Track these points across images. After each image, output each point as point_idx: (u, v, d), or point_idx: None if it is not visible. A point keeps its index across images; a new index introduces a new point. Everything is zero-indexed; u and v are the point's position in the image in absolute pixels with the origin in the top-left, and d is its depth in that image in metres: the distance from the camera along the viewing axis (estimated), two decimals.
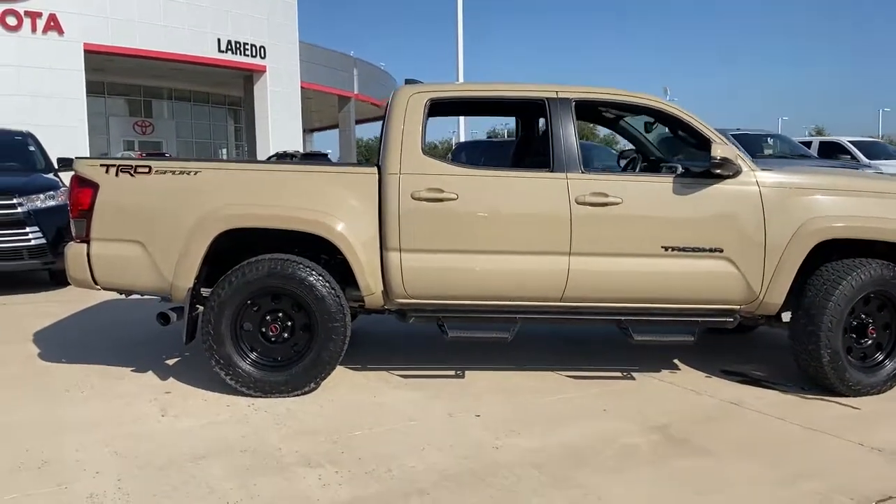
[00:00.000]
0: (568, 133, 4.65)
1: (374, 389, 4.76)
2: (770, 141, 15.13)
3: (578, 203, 4.56)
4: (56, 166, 8.90)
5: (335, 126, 43.20)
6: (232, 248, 4.81)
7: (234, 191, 4.55)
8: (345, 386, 4.82)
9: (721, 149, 4.45)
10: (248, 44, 29.51)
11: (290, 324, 4.63)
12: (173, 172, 4.56)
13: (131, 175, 4.56)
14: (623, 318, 4.69)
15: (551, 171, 4.63)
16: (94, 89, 27.29)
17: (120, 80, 31.40)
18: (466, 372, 5.13)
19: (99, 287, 4.67)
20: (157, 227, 4.53)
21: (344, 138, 40.74)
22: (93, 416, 4.23)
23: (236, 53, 29.21)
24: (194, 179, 4.55)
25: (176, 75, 30.89)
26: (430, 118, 4.77)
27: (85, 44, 24.40)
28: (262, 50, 30.17)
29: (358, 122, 43.32)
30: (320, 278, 4.52)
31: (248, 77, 30.94)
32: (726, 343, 5.98)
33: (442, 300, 4.68)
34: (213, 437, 3.93)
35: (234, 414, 4.28)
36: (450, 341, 4.69)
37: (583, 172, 4.64)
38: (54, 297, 7.87)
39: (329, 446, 3.82)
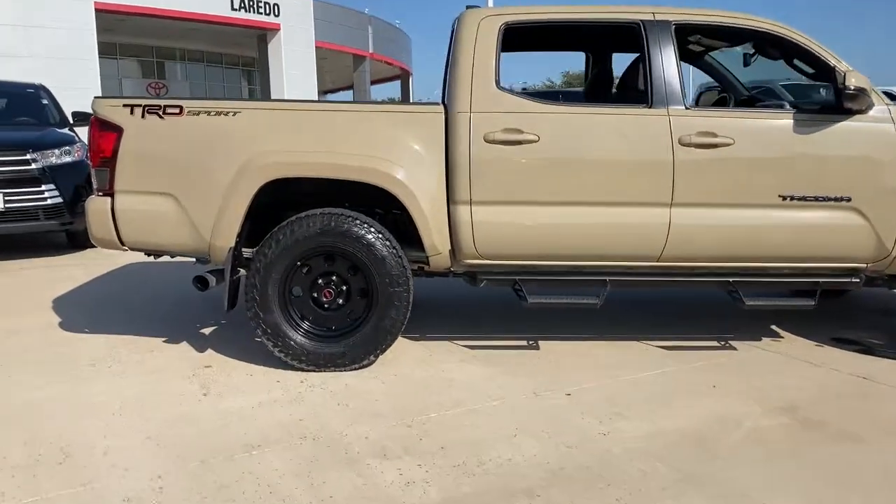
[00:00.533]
0: (669, 61, 3.96)
1: (440, 363, 4.15)
2: None
3: (682, 144, 3.88)
4: (71, 121, 8.28)
5: (349, 87, 42.23)
6: (271, 205, 4.20)
7: (278, 134, 3.91)
8: (406, 359, 4.21)
9: (855, 77, 3.75)
10: (261, 1, 28.61)
11: (345, 288, 4.02)
12: (208, 113, 3.92)
13: (160, 116, 3.92)
14: (732, 279, 4.04)
15: (649, 107, 3.95)
16: (106, 51, 26.53)
17: (132, 40, 30.60)
18: (540, 341, 4.52)
19: (125, 247, 4.07)
20: (191, 178, 3.91)
21: (359, 99, 39.84)
22: (122, 396, 3.66)
23: (249, 11, 28.30)
24: (233, 122, 3.91)
25: (188, 35, 30.07)
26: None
27: (96, 3, 23.63)
28: (275, 7, 29.23)
29: (373, 82, 42.35)
30: (379, 236, 3.90)
31: (262, 36, 30.06)
32: (822, 307, 5.32)
33: (519, 260, 4.05)
34: (266, 420, 3.35)
35: (286, 392, 3.70)
36: (515, 306, 4.05)
37: (687, 108, 3.95)
38: (74, 261, 7.30)
39: (403, 431, 3.23)
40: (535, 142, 3.88)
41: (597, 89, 5.04)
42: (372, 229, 3.90)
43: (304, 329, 3.99)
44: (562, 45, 5.42)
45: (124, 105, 3.94)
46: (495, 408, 3.50)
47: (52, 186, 7.15)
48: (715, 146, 3.87)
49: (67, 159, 7.35)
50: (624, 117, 3.95)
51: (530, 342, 4.53)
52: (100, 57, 24.40)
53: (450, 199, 3.96)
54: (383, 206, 4.34)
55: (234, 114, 3.91)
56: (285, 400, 3.60)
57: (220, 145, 3.90)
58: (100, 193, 4.02)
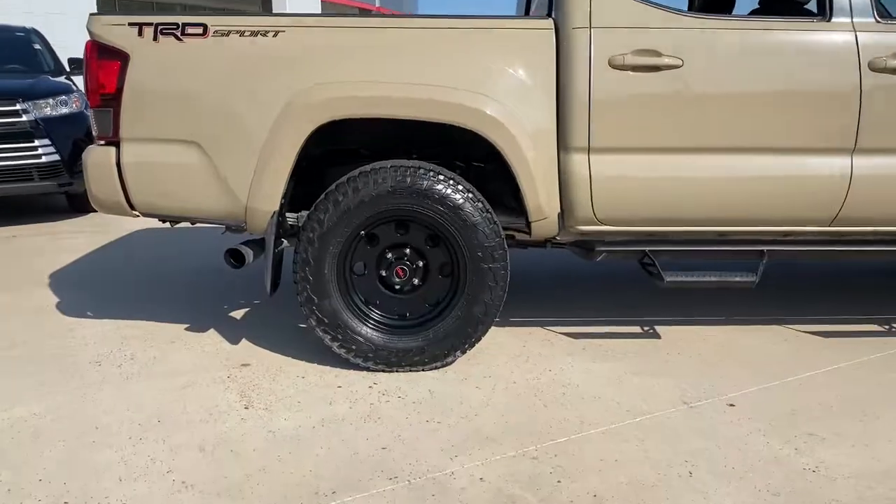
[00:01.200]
0: None
1: (542, 358, 3.23)
2: None
3: (873, 70, 2.90)
4: (68, 68, 7.28)
5: None
6: (312, 162, 3.28)
7: (335, 61, 2.94)
8: (497, 353, 3.30)
9: None
10: None
11: (422, 265, 3.08)
12: (241, 34, 2.95)
13: (177, 38, 2.95)
14: None
15: (826, 20, 2.96)
16: (105, 8, 25.33)
17: None
18: (656, 325, 3.60)
19: (137, 213, 3.13)
20: (221, 120, 2.96)
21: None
22: (138, 412, 2.76)
23: None
24: (274, 45, 2.94)
25: None
26: None
27: None
28: None
29: None
30: (469, 196, 2.95)
31: None
32: None
33: (649, 226, 3.10)
34: (338, 450, 2.45)
35: (353, 403, 2.79)
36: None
37: (879, 21, 2.96)
38: (76, 227, 6.36)
39: (528, 467, 2.33)
40: (679, 67, 2.91)
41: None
42: (460, 187, 2.96)
43: (372, 318, 3.07)
44: None
45: (131, 24, 2.97)
46: (643, 427, 2.59)
47: (46, 142, 6.19)
48: None
49: (64, 110, 6.37)
50: (795, 34, 2.95)
51: (645, 327, 3.61)
52: (100, 11, 23.22)
53: (561, 146, 2.99)
54: (464, 157, 3.39)
55: (276, 34, 2.93)
56: (355, 416, 2.69)
57: (258, 76, 2.93)
58: (101, 142, 3.07)
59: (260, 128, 2.93)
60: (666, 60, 2.90)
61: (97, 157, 3.04)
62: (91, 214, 6.85)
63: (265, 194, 2.97)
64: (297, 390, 2.92)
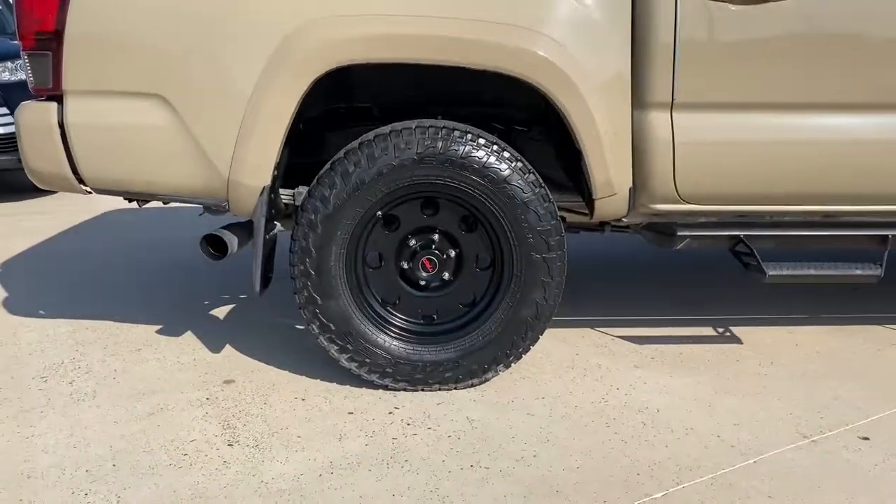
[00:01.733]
0: None
1: (604, 371, 2.58)
2: None
3: None
4: None
5: None
6: (316, 122, 2.62)
7: None
8: (544, 363, 2.65)
9: None
10: None
11: (454, 254, 2.40)
12: None
13: None
14: None
15: None
16: None
17: None
18: (730, 326, 2.95)
19: (87, 189, 2.43)
20: (195, 68, 2.26)
21: None
22: (87, 447, 2.09)
23: None
24: None
25: None
26: None
27: None
28: None
29: None
30: (519, 166, 2.27)
31: None
32: None
33: (747, 204, 2.43)
34: None
35: (369, 436, 2.13)
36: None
37: None
38: (40, 207, 5.63)
39: None
40: None
41: None
42: (506, 155, 2.28)
43: (391, 323, 2.40)
44: None
45: None
46: (764, 475, 1.93)
47: (4, 111, 5.45)
48: None
49: (24, 76, 5.60)
50: None
51: (719, 328, 2.96)
52: None
53: (636, 102, 2.31)
54: (503, 119, 2.71)
55: None
56: (374, 458, 2.02)
57: (240, 7, 2.23)
58: (41, 97, 2.36)
59: (244, 78, 2.23)
60: None
61: (33, 117, 2.35)
62: (60, 193, 6.11)
63: (252, 165, 2.28)
64: (295, 418, 2.25)
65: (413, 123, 2.28)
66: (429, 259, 2.38)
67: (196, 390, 2.46)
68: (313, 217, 2.28)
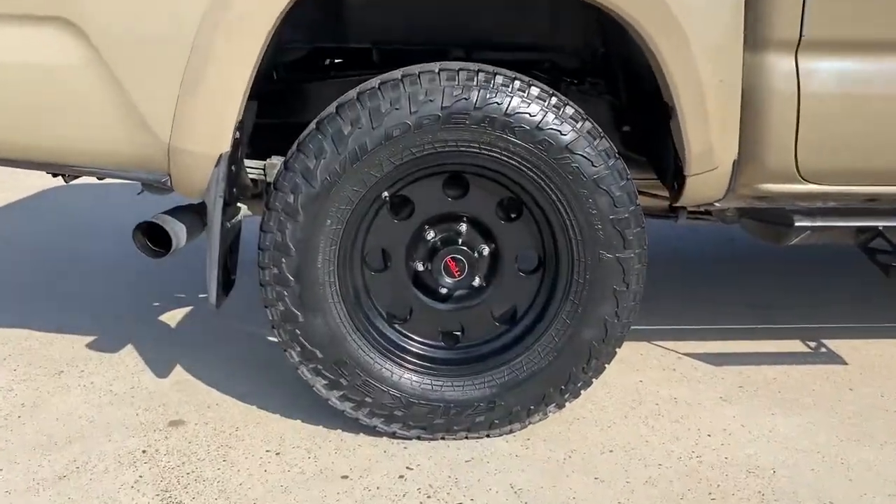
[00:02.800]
0: None
1: (683, 407, 1.93)
2: None
3: None
4: None
5: None
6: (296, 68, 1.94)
7: None
8: (602, 394, 2.00)
9: None
10: None
11: (487, 251, 1.71)
12: None
13: None
14: None
15: None
16: None
17: None
18: (824, 339, 2.32)
19: None
20: None
21: None
22: None
23: None
24: None
25: None
26: None
27: None
28: None
29: None
30: (586, 127, 1.58)
31: None
32: None
33: (885, 185, 1.77)
34: None
35: None
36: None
37: None
38: None
39: None
40: None
41: None
42: (568, 112, 1.59)
43: (401, 346, 1.73)
44: None
45: None
46: None
47: None
48: None
49: None
50: None
51: (809, 342, 2.32)
52: None
53: (749, 41, 1.63)
54: (547, 66, 2.03)
55: None
56: None
57: None
58: None
59: (189, 2, 1.52)
60: None
61: None
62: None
63: (203, 125, 1.58)
64: (267, 485, 1.58)
65: (436, 66, 1.59)
66: (454, 259, 1.69)
67: (130, 436, 1.78)
68: (292, 199, 1.58)
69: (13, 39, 1.58)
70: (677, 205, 1.86)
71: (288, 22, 1.62)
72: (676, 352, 2.26)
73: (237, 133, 1.61)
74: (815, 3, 1.60)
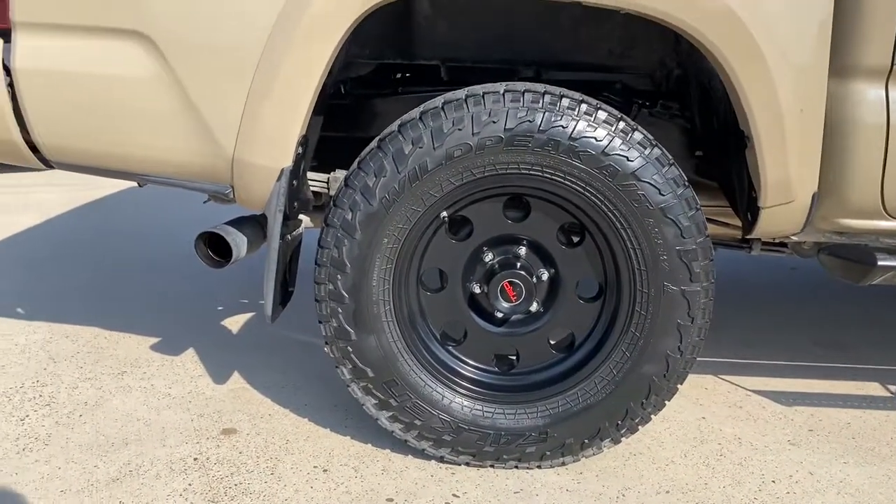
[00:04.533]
0: None
1: (747, 448, 1.85)
2: None
3: None
4: None
5: None
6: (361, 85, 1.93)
7: None
8: (660, 428, 1.90)
9: None
10: None
11: (546, 277, 1.67)
12: None
13: None
14: None
15: None
16: None
17: None
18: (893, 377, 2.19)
19: (45, 159, 1.76)
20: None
21: None
22: None
23: None
24: None
25: None
26: None
27: None
28: None
29: None
30: (656, 153, 1.52)
31: None
32: None
33: None
34: None
35: None
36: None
37: None
38: (47, 178, 5.03)
39: None
40: None
41: None
42: (636, 138, 1.53)
43: (454, 370, 1.69)
44: None
45: None
46: None
47: None
48: None
49: None
50: None
51: (887, 383, 2.18)
52: None
53: (834, 68, 1.54)
54: (620, 88, 1.97)
55: None
56: None
57: None
58: None
59: (261, 11, 1.53)
60: None
61: None
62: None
63: (267, 138, 1.58)
64: (312, 502, 1.56)
65: (501, 87, 1.55)
66: (511, 283, 1.65)
67: (184, 443, 1.80)
68: (350, 216, 1.57)
69: (92, 51, 1.62)
70: (751, 236, 1.77)
71: (356, 37, 1.61)
72: (744, 388, 2.16)
73: (300, 148, 1.61)
74: None
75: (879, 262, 1.67)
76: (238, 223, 1.80)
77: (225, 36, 1.56)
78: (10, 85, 1.65)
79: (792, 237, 1.76)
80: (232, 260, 1.74)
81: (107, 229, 3.71)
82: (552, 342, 1.73)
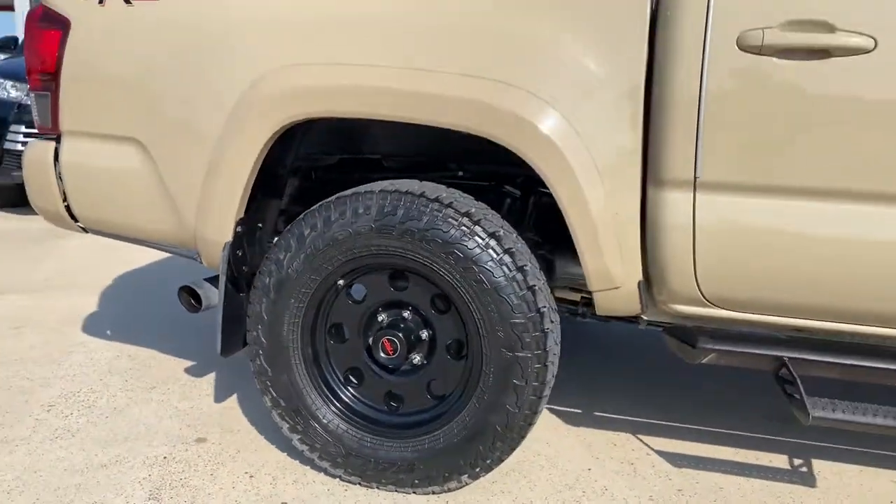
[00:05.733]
0: None
1: (606, 497, 2.09)
2: None
3: None
4: None
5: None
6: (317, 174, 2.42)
7: (315, 34, 2.01)
8: (542, 469, 2.20)
9: None
10: None
11: (424, 336, 2.07)
12: None
13: (126, 0, 2.18)
14: None
15: None
16: None
17: None
18: (811, 458, 2.29)
19: (82, 226, 2.43)
20: (166, 110, 2.14)
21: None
22: (21, 494, 2.05)
23: None
24: (245, 5, 2.08)
25: None
26: None
27: None
28: None
29: None
30: (491, 243, 1.89)
31: None
32: None
33: (793, 316, 1.84)
34: None
35: None
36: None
37: None
38: None
39: None
40: (869, 52, 1.63)
41: None
42: (477, 229, 1.90)
43: (348, 405, 2.13)
44: None
45: None
46: None
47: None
48: None
49: None
50: None
51: (796, 458, 2.31)
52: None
53: (649, 178, 1.83)
54: (524, 178, 2.33)
55: None
56: None
57: (217, 49, 2.08)
58: (43, 136, 2.39)
59: (211, 124, 2.08)
60: (844, 40, 1.63)
61: (34, 154, 2.38)
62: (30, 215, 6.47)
63: (215, 216, 2.13)
64: (226, 500, 2.05)
65: (377, 186, 1.99)
66: (389, 340, 2.06)
67: (163, 444, 2.35)
68: (267, 281, 2.07)
69: (106, 150, 2.25)
70: (600, 314, 2.05)
71: (307, 140, 2.12)
72: (650, 447, 2.39)
73: (238, 227, 2.13)
74: (708, 153, 1.76)
75: (699, 344, 1.91)
76: (211, 279, 2.36)
77: (189, 144, 2.12)
78: (59, 177, 2.33)
79: (646, 317, 2.03)
80: (203, 307, 2.29)
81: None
82: (431, 391, 2.11)
